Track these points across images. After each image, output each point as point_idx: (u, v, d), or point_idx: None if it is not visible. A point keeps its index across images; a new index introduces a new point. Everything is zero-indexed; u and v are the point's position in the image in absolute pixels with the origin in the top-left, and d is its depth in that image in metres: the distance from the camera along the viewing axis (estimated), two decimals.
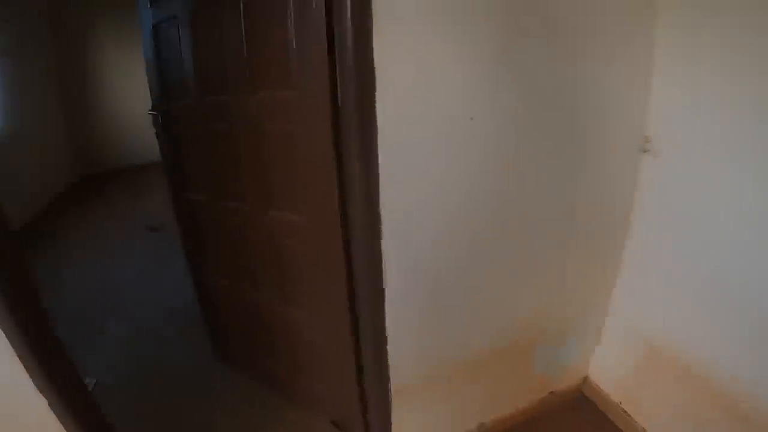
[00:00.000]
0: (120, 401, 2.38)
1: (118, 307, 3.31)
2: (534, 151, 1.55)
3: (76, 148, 7.02)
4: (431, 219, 1.47)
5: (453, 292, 1.66)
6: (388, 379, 1.68)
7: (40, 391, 1.26)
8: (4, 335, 1.17)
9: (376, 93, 1.21)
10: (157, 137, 1.97)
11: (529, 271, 1.78)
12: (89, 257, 4.29)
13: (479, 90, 1.37)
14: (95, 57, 6.85)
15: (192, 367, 2.61)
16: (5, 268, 1.14)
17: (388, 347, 1.61)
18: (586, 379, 2.26)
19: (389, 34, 1.19)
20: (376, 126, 1.24)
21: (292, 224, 1.64)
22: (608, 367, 2.15)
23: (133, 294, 3.49)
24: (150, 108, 1.95)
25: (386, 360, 1.63)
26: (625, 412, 2.04)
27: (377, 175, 1.30)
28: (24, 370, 1.23)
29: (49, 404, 1.28)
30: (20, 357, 1.21)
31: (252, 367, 2.34)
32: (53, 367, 1.31)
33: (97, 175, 7.20)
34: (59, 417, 1.28)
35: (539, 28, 1.38)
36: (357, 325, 1.63)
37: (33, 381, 1.24)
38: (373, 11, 1.15)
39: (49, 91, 6.48)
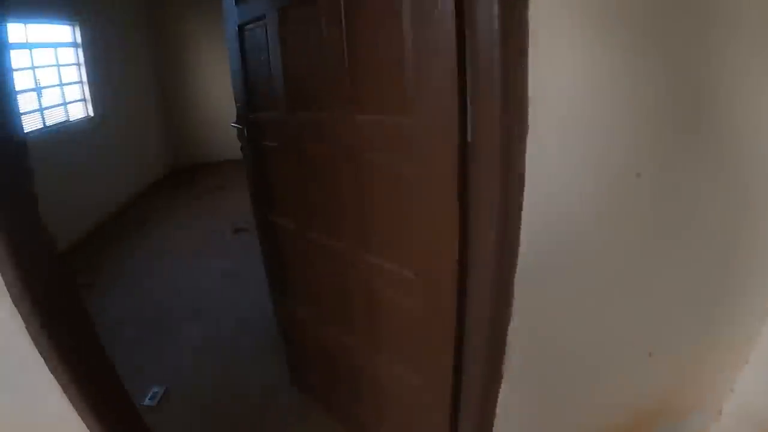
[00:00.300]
0: (186, 413, 2.31)
1: (197, 310, 3.25)
2: (695, 212, 1.20)
3: (169, 140, 7.26)
4: (565, 291, 1.15)
5: (576, 371, 1.35)
6: None
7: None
8: (50, 372, 1.04)
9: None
10: (242, 151, 1.79)
11: (662, 344, 1.44)
12: (172, 253, 4.31)
13: (653, 137, 1.02)
14: (191, 53, 7.02)
15: (265, 387, 2.45)
16: (51, 301, 0.99)
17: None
18: None
19: (543, 47, 0.88)
20: (524, 176, 0.93)
21: (394, 275, 1.37)
22: None
23: (213, 297, 3.41)
24: (235, 119, 1.76)
25: None
26: None
27: (517, 242, 1.00)
28: (72, 409, 1.10)
29: None
30: (68, 395, 1.08)
31: (330, 403, 2.13)
32: (104, 403, 1.17)
33: (189, 167, 7.40)
34: None
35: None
36: (458, 395, 1.35)
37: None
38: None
39: (148, 85, 6.72)
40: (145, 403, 2.39)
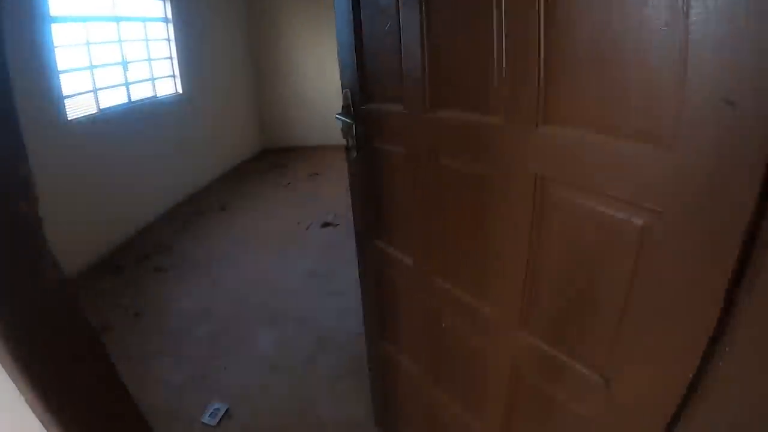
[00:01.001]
0: None
1: (273, 313, 2.94)
2: None
3: (260, 121, 7.07)
4: None
5: None
6: None
7: None
8: None
9: None
10: (346, 152, 1.36)
11: None
12: (253, 243, 4.03)
13: None
14: (287, 31, 6.69)
15: (343, 422, 2.09)
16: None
17: None
18: None
19: None
20: None
21: (565, 370, 0.89)
22: None
23: (292, 301, 3.06)
24: (340, 109, 1.33)
25: None
26: None
27: None
28: None
29: None
30: None
31: None
32: None
33: (279, 150, 7.12)
34: None
35: None
36: None
37: None
38: None
39: (240, 63, 6.56)
40: (204, 420, 2.13)
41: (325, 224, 4.20)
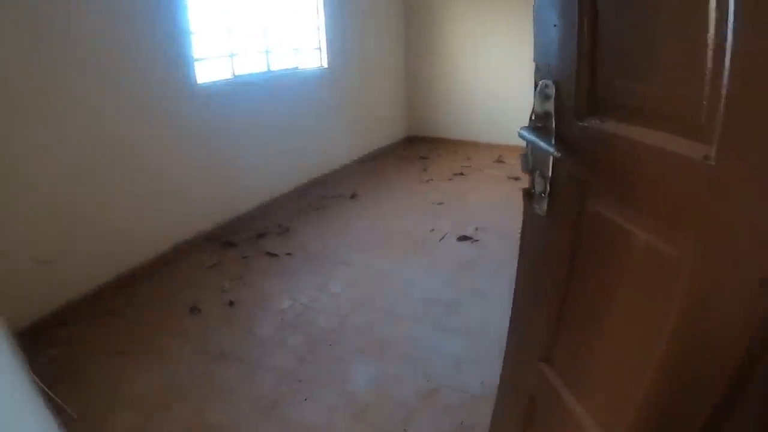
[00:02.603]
0: None
1: (374, 345, 2.41)
2: None
3: (408, 106, 6.56)
4: None
5: None
6: None
7: None
8: None
9: None
10: (525, 198, 0.73)
11: None
12: (375, 245, 3.52)
13: None
14: (446, 14, 6.05)
15: None
16: None
17: None
18: None
19: None
20: None
21: None
22: None
23: (401, 333, 2.50)
24: (529, 119, 0.71)
25: None
26: None
27: None
28: None
29: None
30: None
31: None
32: None
33: (423, 139, 6.55)
34: None
35: None
36: None
37: None
38: None
39: (393, 43, 6.14)
40: None
41: (463, 237, 3.51)
